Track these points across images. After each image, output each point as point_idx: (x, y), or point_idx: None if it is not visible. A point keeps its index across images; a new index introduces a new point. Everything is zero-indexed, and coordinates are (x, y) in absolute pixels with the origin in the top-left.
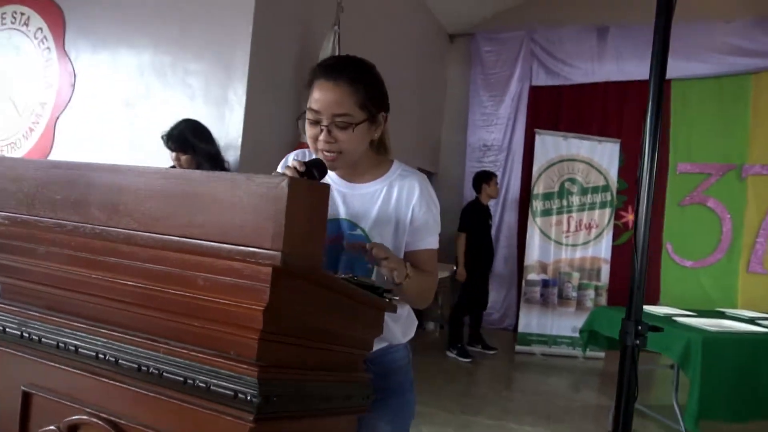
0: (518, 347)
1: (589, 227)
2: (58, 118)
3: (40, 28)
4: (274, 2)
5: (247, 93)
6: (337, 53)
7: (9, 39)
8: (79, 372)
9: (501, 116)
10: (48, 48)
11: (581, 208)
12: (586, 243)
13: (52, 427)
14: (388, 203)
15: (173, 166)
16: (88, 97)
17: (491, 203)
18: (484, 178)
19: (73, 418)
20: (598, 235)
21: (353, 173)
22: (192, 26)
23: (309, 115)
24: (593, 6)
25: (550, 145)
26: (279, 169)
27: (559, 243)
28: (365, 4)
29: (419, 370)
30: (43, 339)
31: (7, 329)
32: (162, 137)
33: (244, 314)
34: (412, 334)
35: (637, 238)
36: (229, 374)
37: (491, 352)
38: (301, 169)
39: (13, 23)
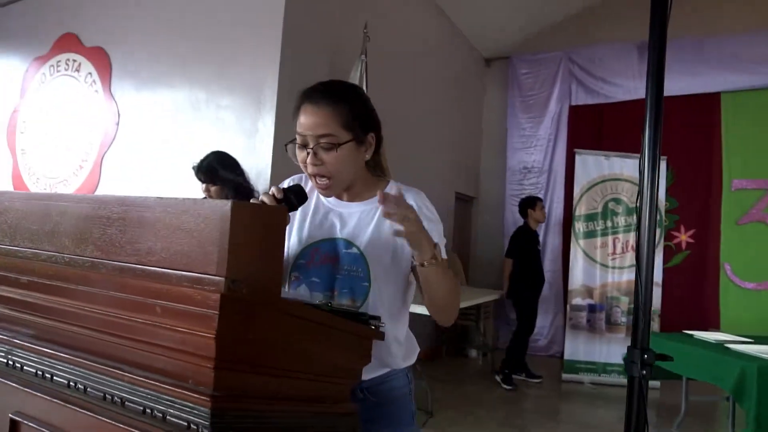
0: (565, 375)
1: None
2: (104, 155)
3: (90, 73)
4: (301, 37)
5: (276, 124)
6: (364, 82)
7: (63, 84)
8: (55, 401)
9: (541, 137)
10: (96, 91)
11: (627, 228)
12: (634, 265)
13: None
14: (383, 221)
15: (204, 197)
16: (131, 135)
17: (539, 227)
18: (528, 204)
19: None
20: None
21: (349, 194)
22: (223, 64)
23: (297, 139)
24: (631, 23)
25: (591, 165)
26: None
27: (605, 266)
28: (395, 33)
29: (460, 399)
30: (24, 367)
31: None
32: (192, 168)
33: (197, 342)
34: (413, 360)
35: (639, 260)
36: (184, 404)
37: (536, 381)
38: (279, 195)
39: (66, 70)
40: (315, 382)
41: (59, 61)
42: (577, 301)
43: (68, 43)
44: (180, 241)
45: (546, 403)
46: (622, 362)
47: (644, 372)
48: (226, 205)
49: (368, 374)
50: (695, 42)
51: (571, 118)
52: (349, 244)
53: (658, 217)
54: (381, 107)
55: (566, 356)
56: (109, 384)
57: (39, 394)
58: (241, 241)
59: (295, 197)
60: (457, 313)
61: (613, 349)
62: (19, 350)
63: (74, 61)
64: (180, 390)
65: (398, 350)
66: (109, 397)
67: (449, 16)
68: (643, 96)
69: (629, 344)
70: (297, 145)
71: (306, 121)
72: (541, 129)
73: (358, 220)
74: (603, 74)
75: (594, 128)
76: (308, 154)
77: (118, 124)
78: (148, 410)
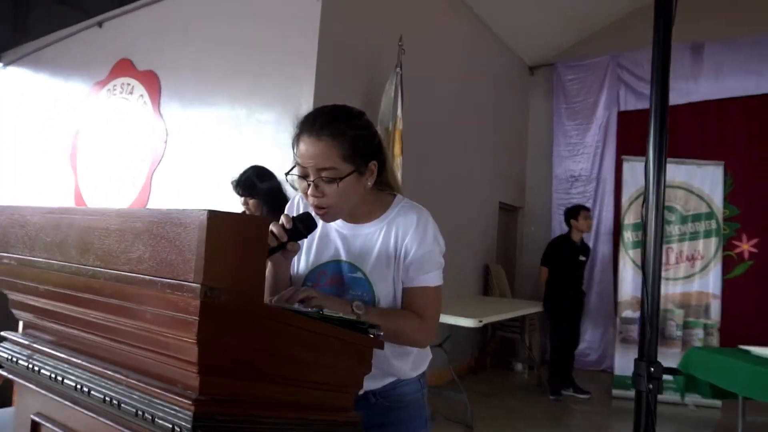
0: (615, 391)
1: (692, 259)
2: (154, 171)
3: (141, 95)
4: (336, 51)
5: None
6: (399, 94)
7: (118, 106)
8: (67, 403)
9: (588, 145)
10: (147, 111)
11: (682, 238)
12: (689, 276)
13: None
14: (387, 243)
15: (243, 212)
16: (178, 152)
17: (586, 236)
18: (571, 214)
19: None
20: (704, 267)
21: (353, 216)
22: (262, 80)
23: (297, 170)
24: (683, 23)
25: (640, 173)
26: (286, 211)
27: None
28: (432, 44)
29: (503, 413)
30: (42, 370)
31: (19, 361)
32: (231, 183)
33: (182, 347)
34: (423, 368)
35: (646, 268)
36: (171, 408)
37: (584, 396)
38: (288, 225)
39: (121, 93)
40: (311, 389)
41: (115, 85)
42: (627, 313)
43: (123, 68)
44: (164, 250)
45: (594, 420)
46: (676, 378)
47: (651, 386)
48: (203, 214)
49: (377, 383)
50: (757, 39)
51: (619, 124)
52: (353, 267)
53: (716, 225)
54: (418, 119)
55: (616, 371)
56: (108, 387)
57: (54, 397)
58: (219, 249)
59: (303, 226)
60: (419, 341)
61: (667, 365)
62: (38, 355)
63: (128, 84)
64: (168, 394)
65: (404, 364)
66: (108, 400)
67: (489, 26)
68: (699, 98)
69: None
70: (297, 175)
71: (306, 152)
72: (588, 136)
73: (363, 242)
74: None
75: (644, 134)
76: (309, 185)
77: (166, 141)
78: (140, 413)
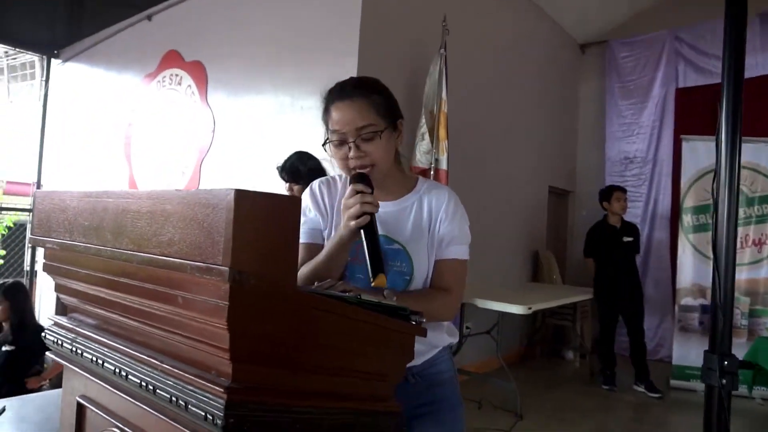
0: (674, 382)
1: (759, 243)
2: (202, 161)
3: (189, 85)
4: (378, 34)
5: None
6: (444, 76)
7: (167, 97)
8: (107, 386)
9: (644, 125)
10: (195, 101)
11: (747, 221)
12: (757, 262)
13: None
14: (420, 216)
15: None
16: (225, 140)
17: (637, 221)
18: (603, 196)
19: (105, 430)
20: None
21: (383, 190)
22: (305, 66)
23: (333, 138)
24: None
25: (701, 152)
26: (306, 201)
27: None
28: (476, 24)
29: (553, 402)
30: (84, 354)
31: (64, 344)
32: (276, 169)
33: (214, 333)
34: (456, 337)
35: (718, 253)
36: (203, 395)
37: (655, 396)
38: (368, 190)
39: (170, 84)
40: (350, 378)
41: (164, 77)
42: (687, 301)
43: (172, 59)
44: (193, 232)
45: (651, 413)
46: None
47: (724, 381)
48: (230, 194)
49: (420, 358)
50: None
51: (678, 102)
52: (390, 240)
53: None
54: (463, 101)
55: (675, 361)
56: (145, 372)
57: (96, 380)
58: (248, 230)
59: (370, 186)
60: (447, 316)
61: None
62: (81, 338)
63: (177, 75)
64: (202, 381)
65: (441, 329)
66: (144, 385)
67: (537, 3)
68: (765, 72)
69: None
70: (334, 144)
71: (342, 116)
72: (643, 116)
73: (396, 218)
74: (717, 51)
75: (705, 112)
76: (350, 148)
77: (213, 131)
78: (174, 399)
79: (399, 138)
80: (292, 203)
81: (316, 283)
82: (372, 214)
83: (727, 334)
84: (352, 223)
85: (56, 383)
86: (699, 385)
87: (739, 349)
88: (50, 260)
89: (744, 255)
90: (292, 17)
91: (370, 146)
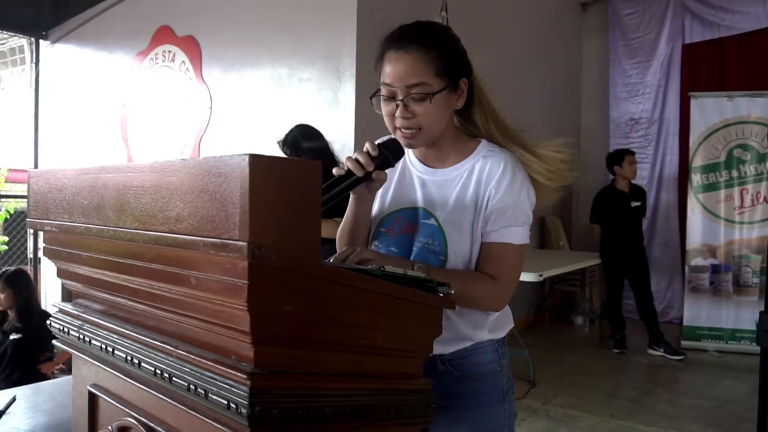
0: (685, 342)
1: None
2: (201, 138)
3: (183, 62)
4: (376, 1)
5: (356, 93)
6: None
7: (161, 75)
8: (118, 375)
9: (649, 84)
10: (190, 78)
11: (758, 178)
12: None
13: (105, 430)
14: (467, 188)
15: None
16: (222, 117)
17: (644, 183)
18: (615, 160)
19: (120, 420)
20: None
21: (436, 156)
22: (302, 37)
23: (383, 91)
24: None
25: (710, 109)
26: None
27: (730, 221)
28: None
29: (565, 368)
30: (92, 341)
31: (71, 332)
32: (277, 143)
33: (232, 315)
34: (503, 334)
35: None
36: (225, 382)
37: (677, 358)
38: (375, 153)
39: (163, 61)
40: (376, 356)
41: (157, 54)
42: (697, 261)
43: (164, 35)
44: (205, 205)
45: (663, 373)
46: (754, 328)
47: None
48: (245, 160)
49: (449, 347)
50: None
51: (684, 59)
52: (428, 214)
53: None
54: None
55: (686, 322)
56: (158, 359)
57: (107, 368)
58: (266, 200)
59: (391, 153)
60: (490, 306)
61: (743, 314)
62: (88, 325)
63: (170, 51)
64: (221, 367)
65: (479, 322)
66: (159, 373)
67: None
68: None
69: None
70: (383, 97)
71: (394, 70)
72: (648, 75)
73: (441, 188)
74: (723, 2)
75: (713, 67)
76: (397, 106)
77: (211, 107)
78: (192, 387)
79: (460, 100)
80: (313, 168)
81: (336, 254)
82: (358, 177)
83: None
84: (334, 169)
85: (70, 367)
86: (710, 345)
87: (750, 307)
88: (50, 244)
89: (755, 213)
90: None
91: (419, 108)
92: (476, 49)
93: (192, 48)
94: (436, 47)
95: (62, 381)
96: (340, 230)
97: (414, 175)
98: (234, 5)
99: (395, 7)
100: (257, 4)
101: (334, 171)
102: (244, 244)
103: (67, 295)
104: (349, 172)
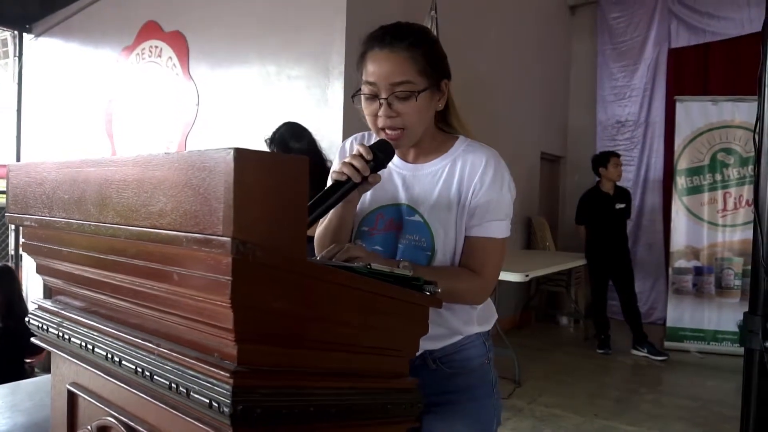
0: (668, 343)
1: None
2: (188, 135)
3: (170, 57)
4: (365, 0)
5: (345, 91)
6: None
7: (148, 70)
8: (99, 374)
9: (635, 87)
10: (177, 74)
11: (741, 181)
12: (750, 222)
13: (84, 429)
14: (450, 183)
15: None
16: (210, 113)
17: (629, 185)
18: (600, 161)
19: (100, 420)
20: None
21: (415, 153)
22: (292, 34)
23: (365, 90)
24: None
25: (695, 113)
26: (337, 160)
27: (713, 224)
28: None
29: (550, 367)
30: (72, 339)
31: (50, 329)
32: (265, 141)
33: (215, 312)
34: (489, 326)
35: (760, 211)
36: (207, 380)
37: (659, 359)
38: (369, 156)
39: (150, 56)
40: (362, 354)
41: (143, 49)
42: (680, 263)
43: (150, 30)
44: (188, 200)
45: (646, 374)
46: (736, 329)
47: (767, 344)
48: (229, 154)
49: (439, 343)
50: None
51: (670, 63)
52: (412, 210)
53: None
54: (454, 65)
55: (669, 323)
56: (140, 357)
57: (87, 366)
58: (251, 195)
59: (383, 154)
60: (473, 300)
61: (724, 316)
62: (68, 322)
63: (156, 47)
64: (203, 365)
65: (468, 316)
66: (140, 371)
67: None
68: (760, 28)
69: (745, 310)
70: (365, 96)
71: (377, 68)
72: (635, 78)
73: (423, 184)
74: (709, 8)
75: (698, 72)
76: (380, 105)
77: (198, 104)
78: (174, 385)
79: (442, 100)
80: (299, 163)
81: (323, 252)
82: (354, 183)
83: None
84: (333, 174)
85: (48, 366)
86: (692, 346)
87: (732, 309)
88: (29, 239)
89: (737, 216)
90: None
91: (403, 106)
92: (465, 49)
93: (179, 43)
94: (419, 46)
95: (40, 380)
96: (321, 231)
97: (393, 172)
98: (222, 1)
99: (385, 5)
100: (246, 1)
101: (334, 176)
102: (228, 239)
103: (49, 292)
104: (347, 179)
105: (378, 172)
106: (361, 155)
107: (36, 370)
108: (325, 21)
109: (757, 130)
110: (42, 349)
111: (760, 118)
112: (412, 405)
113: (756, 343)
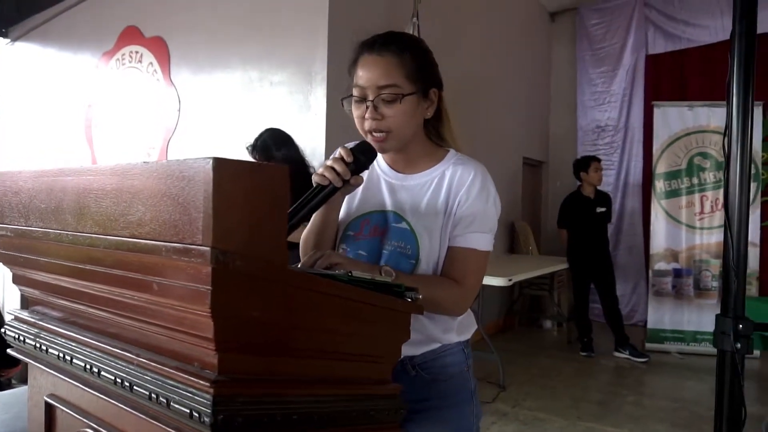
0: (649, 345)
1: None
2: (169, 140)
3: (151, 63)
4: (349, 6)
5: (327, 97)
6: None
7: (128, 76)
8: (77, 384)
9: (614, 93)
10: (157, 79)
11: (717, 185)
12: None
13: None
14: (438, 194)
15: None
16: (191, 119)
17: (609, 189)
18: (581, 166)
19: (79, 431)
20: None
21: (405, 162)
22: (274, 40)
23: (355, 93)
24: None
25: (672, 118)
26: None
27: (691, 227)
28: None
29: (534, 371)
30: (49, 350)
31: (27, 340)
32: (246, 148)
33: (195, 321)
34: (468, 335)
35: (730, 216)
36: (187, 390)
37: (641, 360)
38: (349, 159)
39: (130, 62)
40: (344, 362)
41: (123, 54)
42: (660, 265)
43: (130, 36)
44: (167, 209)
45: (629, 375)
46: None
47: (739, 345)
48: (208, 163)
49: (419, 349)
50: None
51: (648, 69)
52: (398, 217)
53: (754, 170)
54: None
55: (650, 325)
56: (119, 367)
57: (65, 378)
58: (231, 204)
59: (364, 156)
60: (454, 310)
61: (703, 317)
62: (45, 333)
63: (137, 52)
64: (184, 374)
65: (448, 325)
66: (119, 381)
67: None
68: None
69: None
70: (354, 100)
71: (366, 72)
72: (614, 84)
73: (412, 193)
74: (685, 16)
75: (675, 78)
76: (367, 108)
77: (179, 110)
78: (154, 396)
79: (430, 108)
80: (279, 172)
81: (304, 259)
82: (335, 186)
83: (741, 296)
84: (316, 177)
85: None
86: (672, 347)
87: (710, 310)
88: (5, 249)
89: (714, 219)
90: None
91: (389, 109)
92: (446, 55)
93: (160, 49)
94: (408, 52)
95: (17, 391)
96: (305, 235)
97: (382, 179)
98: (204, 6)
99: (367, 11)
100: (228, 6)
101: (315, 179)
102: (208, 248)
103: (26, 303)
104: (329, 182)
105: (364, 179)
106: (342, 158)
107: (13, 381)
108: (308, 27)
109: (726, 136)
110: (18, 362)
111: (728, 126)
112: (395, 411)
113: (727, 344)
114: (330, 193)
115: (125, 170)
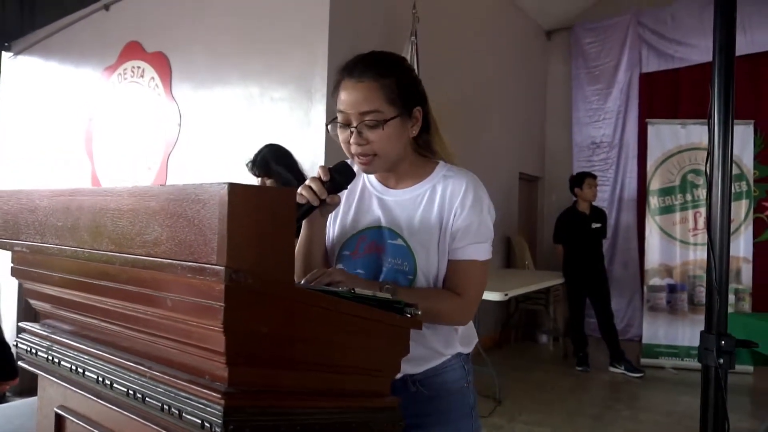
0: (644, 360)
1: None
2: (169, 155)
3: (152, 78)
4: (348, 23)
5: (327, 113)
6: (415, 63)
7: (130, 91)
8: (89, 396)
9: (609, 110)
10: (159, 94)
11: (700, 204)
12: None
13: None
14: (431, 207)
15: None
16: (192, 134)
17: (605, 205)
18: (575, 182)
19: None
20: (734, 231)
21: (395, 178)
22: (275, 56)
23: (339, 118)
24: None
25: (666, 136)
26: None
27: (685, 243)
28: (447, 10)
29: (530, 385)
30: (62, 362)
31: (38, 353)
32: (246, 165)
33: (208, 336)
34: (471, 347)
35: (712, 233)
36: (199, 401)
37: (636, 375)
38: (325, 177)
39: (132, 77)
40: (346, 375)
41: (125, 69)
42: (655, 281)
43: (132, 51)
44: (183, 230)
45: (624, 390)
46: None
47: (722, 361)
48: (223, 188)
49: (420, 366)
50: None
51: (642, 87)
52: (394, 234)
53: (746, 187)
54: (435, 88)
55: (645, 340)
56: (131, 379)
57: (76, 390)
58: (243, 226)
59: (341, 176)
60: (457, 322)
61: (697, 332)
62: (57, 346)
63: (138, 67)
64: (195, 387)
65: (450, 337)
66: (132, 393)
67: None
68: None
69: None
70: (339, 124)
71: (348, 98)
72: (609, 101)
73: (404, 208)
74: (677, 35)
75: (668, 96)
76: (351, 133)
77: (180, 125)
78: (166, 407)
79: (414, 127)
80: (287, 196)
81: (307, 276)
82: (312, 205)
83: (723, 314)
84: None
85: (19, 390)
86: (667, 362)
87: (699, 325)
88: (20, 264)
89: (699, 236)
90: (258, 6)
91: (372, 135)
92: (444, 73)
93: (161, 64)
94: (389, 76)
95: (21, 403)
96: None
97: (374, 196)
98: (205, 23)
99: (366, 29)
100: (229, 23)
101: (297, 198)
102: (222, 268)
103: (24, 316)
104: (306, 201)
105: (349, 195)
106: (319, 177)
107: (8, 395)
108: (308, 44)
109: (708, 162)
110: (15, 376)
111: (710, 153)
112: (393, 423)
113: (711, 359)
114: (307, 211)
115: (143, 192)
